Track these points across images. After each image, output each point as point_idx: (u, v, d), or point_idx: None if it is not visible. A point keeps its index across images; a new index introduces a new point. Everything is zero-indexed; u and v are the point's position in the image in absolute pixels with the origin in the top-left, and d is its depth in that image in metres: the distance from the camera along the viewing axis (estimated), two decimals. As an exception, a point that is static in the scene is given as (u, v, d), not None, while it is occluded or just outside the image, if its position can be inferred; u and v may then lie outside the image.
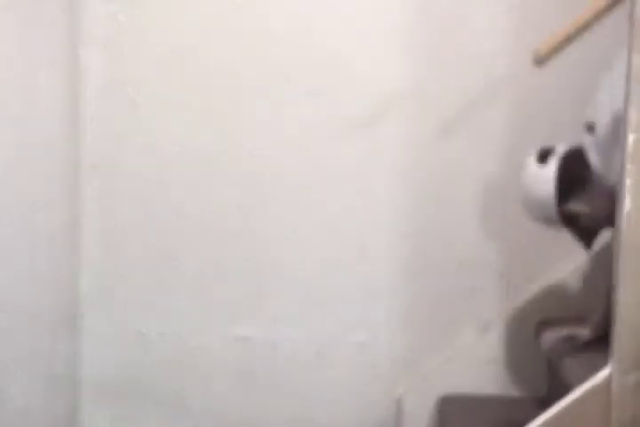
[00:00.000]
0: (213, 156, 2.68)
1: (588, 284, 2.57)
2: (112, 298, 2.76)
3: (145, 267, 2.74)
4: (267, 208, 2.70)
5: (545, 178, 2.23)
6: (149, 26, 2.67)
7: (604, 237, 2.24)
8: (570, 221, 2.24)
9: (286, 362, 2.73)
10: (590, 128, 2.15)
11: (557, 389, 2.21)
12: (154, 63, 2.67)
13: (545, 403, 1.94)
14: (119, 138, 2.71)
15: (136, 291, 2.75)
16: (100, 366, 2.77)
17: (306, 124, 2.64)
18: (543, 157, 2.26)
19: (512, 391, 2.64)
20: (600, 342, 2.03)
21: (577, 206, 2.23)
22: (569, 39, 1.90)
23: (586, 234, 2.27)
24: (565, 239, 2.28)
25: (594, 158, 2.16)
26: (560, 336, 2.35)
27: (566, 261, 2.56)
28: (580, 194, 2.24)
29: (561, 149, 2.25)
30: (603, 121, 2.11)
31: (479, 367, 2.63)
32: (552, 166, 2.23)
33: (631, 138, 1.70)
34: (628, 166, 1.71)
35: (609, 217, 1.93)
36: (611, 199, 1.91)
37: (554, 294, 2.59)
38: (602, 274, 2.08)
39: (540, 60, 1.97)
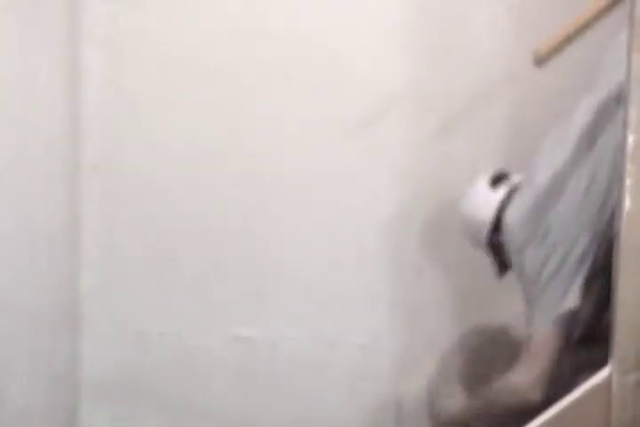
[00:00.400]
0: (213, 156, 2.68)
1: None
2: (112, 298, 2.76)
3: (145, 267, 2.75)
4: (267, 208, 2.70)
5: (491, 203, 2.24)
6: (149, 26, 2.67)
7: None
8: (494, 249, 2.26)
9: (286, 362, 2.73)
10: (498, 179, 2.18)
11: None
12: (154, 63, 2.67)
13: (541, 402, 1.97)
14: (119, 138, 2.71)
15: (136, 291, 2.75)
16: (100, 366, 2.77)
17: (306, 124, 2.64)
18: (496, 181, 2.28)
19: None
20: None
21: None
22: (569, 39, 1.90)
23: (505, 265, 2.28)
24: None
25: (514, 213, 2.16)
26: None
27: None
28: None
29: (515, 180, 2.26)
30: (540, 179, 2.12)
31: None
32: (501, 193, 2.24)
33: (631, 138, 1.70)
34: (629, 166, 1.71)
35: None
36: None
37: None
38: None
39: (540, 60, 1.97)
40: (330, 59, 2.61)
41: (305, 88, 2.63)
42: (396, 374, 2.69)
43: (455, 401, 2.50)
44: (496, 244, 2.24)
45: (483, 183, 2.29)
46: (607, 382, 1.73)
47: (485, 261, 2.31)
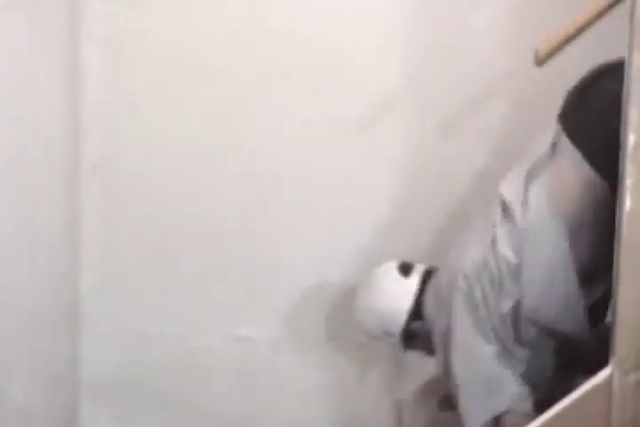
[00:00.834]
0: (213, 156, 2.69)
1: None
2: (112, 298, 2.76)
3: (145, 267, 2.75)
4: (267, 208, 2.70)
5: (405, 291, 2.26)
6: (149, 26, 2.67)
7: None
8: (408, 337, 2.29)
9: (286, 362, 2.73)
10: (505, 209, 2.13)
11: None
12: (154, 63, 2.67)
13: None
14: (119, 138, 2.72)
15: (136, 291, 2.75)
16: (100, 366, 2.77)
17: (306, 124, 2.64)
18: (405, 269, 2.30)
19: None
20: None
21: (419, 325, 2.25)
22: (569, 39, 1.90)
23: (425, 349, 2.30)
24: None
25: (504, 248, 2.10)
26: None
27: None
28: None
29: (420, 268, 2.30)
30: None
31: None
32: (415, 280, 2.27)
33: (631, 138, 1.70)
34: (629, 166, 1.71)
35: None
36: None
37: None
38: None
39: (540, 60, 1.97)
40: (330, 59, 2.61)
41: (305, 88, 2.63)
42: (396, 374, 2.69)
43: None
44: (410, 332, 2.27)
45: (394, 273, 2.30)
46: (607, 382, 1.73)
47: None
